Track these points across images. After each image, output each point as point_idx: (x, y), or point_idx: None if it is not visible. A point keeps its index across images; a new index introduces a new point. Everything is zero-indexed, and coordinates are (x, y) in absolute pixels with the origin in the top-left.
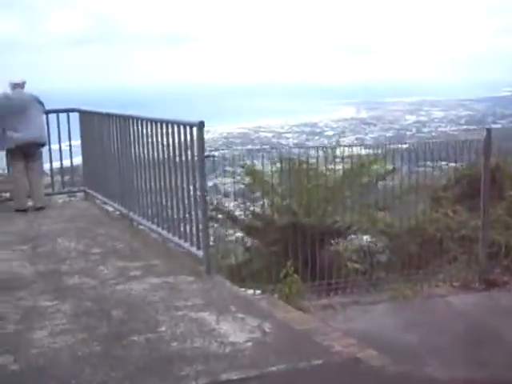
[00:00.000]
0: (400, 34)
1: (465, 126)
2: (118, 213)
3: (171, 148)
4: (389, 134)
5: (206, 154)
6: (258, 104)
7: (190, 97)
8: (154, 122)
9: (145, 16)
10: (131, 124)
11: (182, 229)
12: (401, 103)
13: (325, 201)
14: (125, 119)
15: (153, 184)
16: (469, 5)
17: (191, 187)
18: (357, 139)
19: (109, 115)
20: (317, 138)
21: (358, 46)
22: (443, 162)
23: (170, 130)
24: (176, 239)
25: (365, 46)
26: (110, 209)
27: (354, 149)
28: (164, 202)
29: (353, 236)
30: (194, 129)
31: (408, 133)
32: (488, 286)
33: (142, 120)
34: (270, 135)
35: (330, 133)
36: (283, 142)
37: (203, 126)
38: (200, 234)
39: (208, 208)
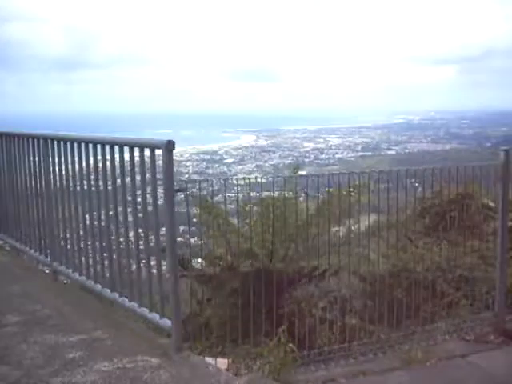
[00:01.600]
0: (304, 64)
1: (361, 153)
2: (35, 262)
3: (115, 176)
4: (288, 161)
5: (178, 186)
6: (157, 133)
7: (82, 126)
8: (91, 143)
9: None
10: (57, 146)
11: (129, 285)
12: (299, 131)
13: (292, 240)
14: (46, 140)
15: (88, 225)
16: (367, 38)
17: (149, 230)
18: (256, 166)
19: (20, 136)
20: (216, 165)
21: (257, 75)
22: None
23: (112, 153)
24: (126, 302)
25: (265, 75)
26: (25, 257)
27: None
28: (106, 250)
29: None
30: (158, 151)
31: (306, 160)
32: (508, 339)
33: (74, 141)
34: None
35: (230, 160)
36: (183, 169)
37: (173, 147)
38: (163, 294)
39: (177, 261)
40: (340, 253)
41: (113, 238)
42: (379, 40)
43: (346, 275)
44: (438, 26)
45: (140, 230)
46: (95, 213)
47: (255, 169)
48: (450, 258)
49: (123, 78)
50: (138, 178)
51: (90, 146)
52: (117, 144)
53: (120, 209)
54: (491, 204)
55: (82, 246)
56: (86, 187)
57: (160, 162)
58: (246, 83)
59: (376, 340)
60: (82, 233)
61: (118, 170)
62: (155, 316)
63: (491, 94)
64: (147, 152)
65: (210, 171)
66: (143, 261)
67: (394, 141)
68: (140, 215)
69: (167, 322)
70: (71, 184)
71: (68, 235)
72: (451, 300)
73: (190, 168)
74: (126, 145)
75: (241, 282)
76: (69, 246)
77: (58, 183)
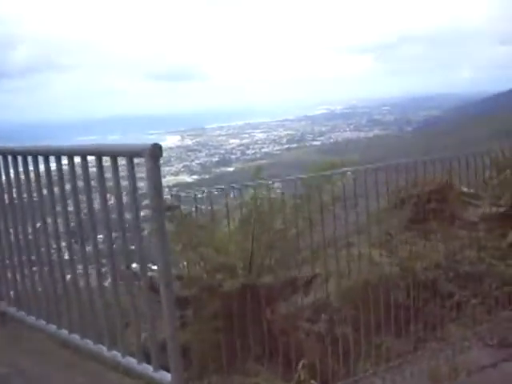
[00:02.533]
0: (226, 60)
1: (286, 145)
2: None
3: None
4: (215, 159)
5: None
6: (81, 140)
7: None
8: (43, 155)
9: None
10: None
11: (107, 329)
12: (224, 128)
13: (273, 247)
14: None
15: (44, 249)
16: (285, 30)
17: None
18: (184, 166)
19: None
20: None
21: (180, 74)
22: None
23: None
24: (104, 351)
25: (188, 74)
26: None
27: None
28: (72, 283)
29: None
30: (138, 160)
31: (233, 156)
32: None
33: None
34: (93, 169)
35: None
36: (108, 175)
37: (160, 152)
38: (157, 340)
39: (174, 299)
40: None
41: (80, 266)
42: (296, 32)
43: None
44: (353, 15)
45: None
46: (58, 236)
47: (183, 169)
48: (448, 252)
49: (41, 85)
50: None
51: (40, 158)
52: (78, 154)
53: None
54: (469, 191)
55: (37, 277)
56: (37, 200)
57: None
58: (169, 83)
59: (402, 361)
60: (44, 262)
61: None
62: (147, 368)
63: (409, 80)
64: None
65: (138, 175)
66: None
67: (318, 131)
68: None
69: (165, 376)
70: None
71: (17, 262)
72: (458, 300)
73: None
74: (92, 154)
75: (222, 302)
76: (23, 280)
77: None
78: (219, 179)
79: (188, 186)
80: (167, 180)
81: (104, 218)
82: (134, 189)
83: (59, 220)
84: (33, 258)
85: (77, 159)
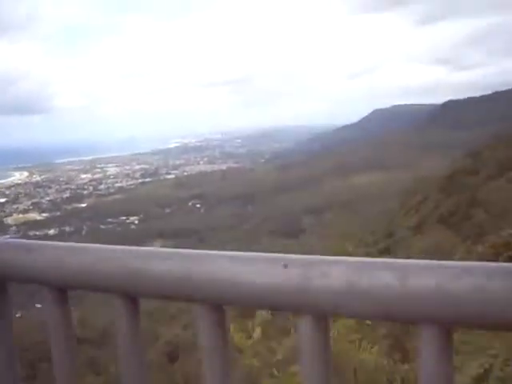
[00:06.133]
0: (71, 93)
1: (141, 180)
2: None
3: None
4: (66, 195)
5: None
6: None
7: None
8: None
9: None
10: None
11: None
12: (74, 163)
13: None
14: None
15: None
16: (137, 63)
17: None
18: (32, 204)
19: None
20: None
21: (21, 107)
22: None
23: None
24: None
25: (29, 107)
26: None
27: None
28: None
29: None
30: None
31: (85, 191)
32: None
33: None
34: None
35: (2, 199)
36: None
37: None
38: None
39: None
40: None
41: None
42: (148, 65)
43: None
44: (205, 49)
45: None
46: None
47: (31, 206)
48: None
49: None
50: None
51: None
52: None
53: None
54: None
55: None
56: None
57: None
58: (13, 116)
59: None
60: None
61: None
62: None
63: (259, 113)
64: None
65: None
66: None
67: (172, 165)
68: None
69: None
70: None
71: None
72: None
73: None
74: None
75: None
76: None
77: None
78: (71, 216)
79: (38, 224)
80: (15, 218)
81: None
82: None
83: None
84: None
85: None
